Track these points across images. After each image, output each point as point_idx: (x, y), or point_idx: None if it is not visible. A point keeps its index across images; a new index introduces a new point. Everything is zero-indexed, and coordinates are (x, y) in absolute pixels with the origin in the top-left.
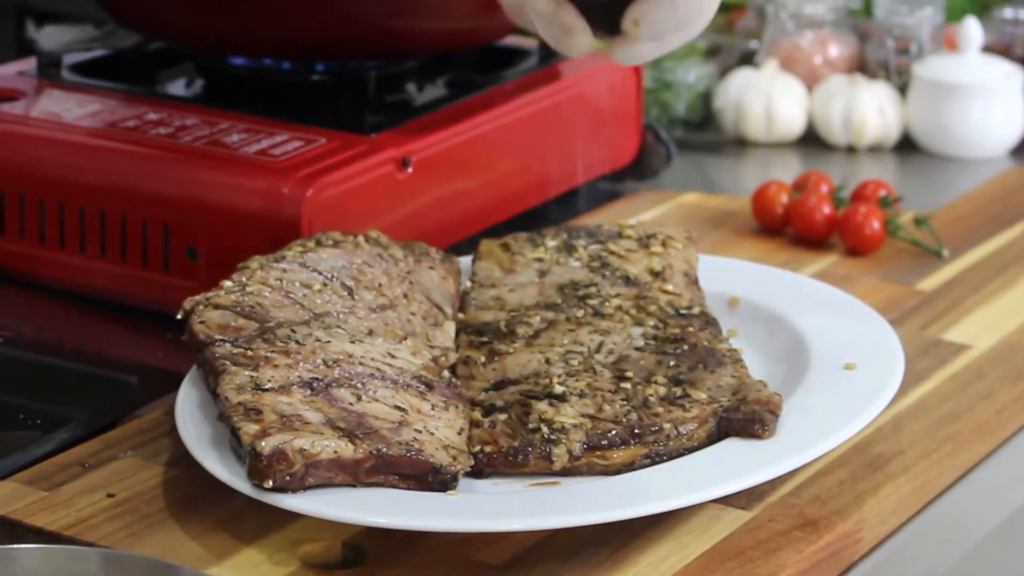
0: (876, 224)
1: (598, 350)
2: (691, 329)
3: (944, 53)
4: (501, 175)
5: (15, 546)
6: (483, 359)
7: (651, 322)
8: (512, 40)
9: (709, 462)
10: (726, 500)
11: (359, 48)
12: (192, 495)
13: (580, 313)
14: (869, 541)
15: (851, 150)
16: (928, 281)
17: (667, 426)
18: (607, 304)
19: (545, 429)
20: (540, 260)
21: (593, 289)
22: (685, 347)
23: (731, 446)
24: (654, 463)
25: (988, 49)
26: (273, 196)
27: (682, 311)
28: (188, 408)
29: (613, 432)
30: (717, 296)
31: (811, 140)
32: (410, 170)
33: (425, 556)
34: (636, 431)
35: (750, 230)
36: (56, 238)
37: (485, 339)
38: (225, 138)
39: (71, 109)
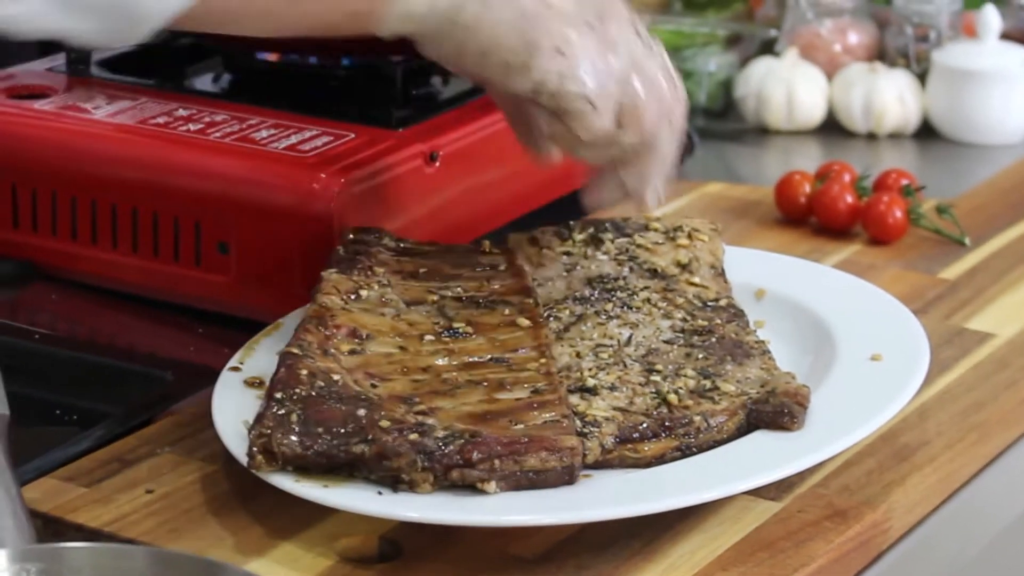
0: (899, 213)
1: (628, 343)
2: (718, 321)
3: (963, 40)
4: (526, 167)
5: (62, 544)
6: None
7: (679, 315)
8: None
9: (739, 454)
10: (756, 491)
11: (386, 43)
12: (230, 491)
13: (609, 307)
14: (897, 530)
15: (871, 137)
16: (951, 270)
17: (697, 419)
18: (635, 297)
19: (578, 423)
20: (568, 254)
21: (621, 282)
22: (713, 339)
23: (760, 438)
24: (684, 455)
25: (1006, 36)
26: (303, 191)
27: (709, 303)
28: (224, 403)
29: (644, 425)
30: (742, 287)
31: (831, 128)
32: (437, 164)
33: (460, 550)
34: (667, 424)
35: (773, 220)
36: (88, 234)
37: None
38: (254, 134)
39: (101, 106)
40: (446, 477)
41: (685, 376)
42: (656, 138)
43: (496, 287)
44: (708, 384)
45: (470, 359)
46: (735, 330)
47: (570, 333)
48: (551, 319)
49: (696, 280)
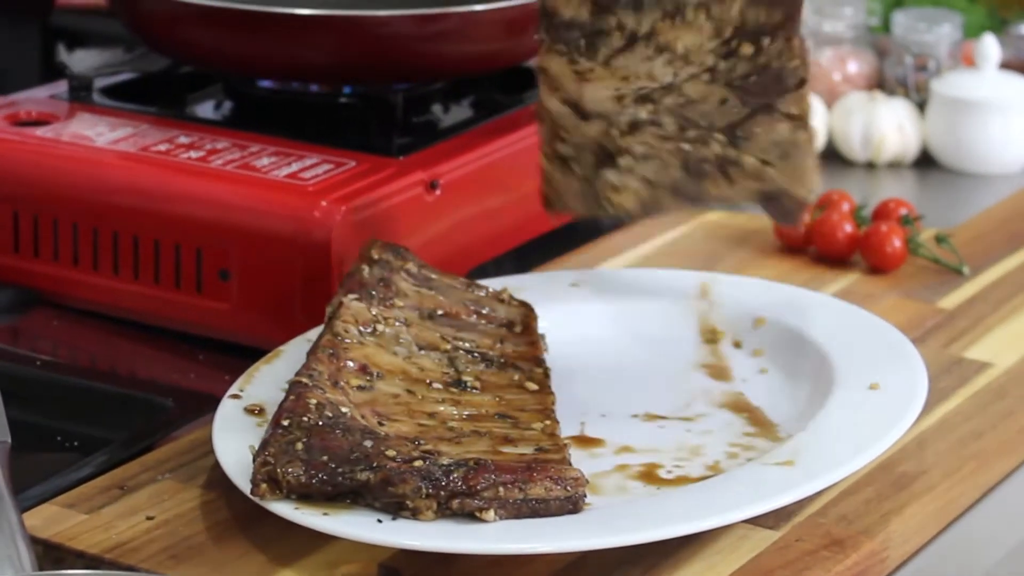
0: (897, 242)
1: (670, 90)
2: (766, 37)
3: (962, 70)
4: (527, 195)
5: (63, 572)
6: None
7: (729, 29)
8: (536, 61)
9: (738, 483)
10: (754, 520)
11: (387, 71)
12: (230, 517)
13: (658, 15)
14: (895, 560)
15: (870, 166)
16: (949, 299)
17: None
18: None
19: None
20: None
21: None
22: (753, 79)
23: (759, 467)
24: None
25: (1005, 65)
26: (304, 219)
27: None
28: (225, 431)
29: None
30: (740, 316)
31: (830, 156)
32: (438, 192)
33: None
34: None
35: (772, 248)
36: (90, 261)
37: (567, 49)
38: (255, 161)
39: (103, 133)
40: (448, 505)
41: (714, 140)
42: None
43: (509, 351)
44: (732, 154)
45: (476, 412)
46: (779, 49)
47: (618, 62)
48: (601, 47)
49: None
